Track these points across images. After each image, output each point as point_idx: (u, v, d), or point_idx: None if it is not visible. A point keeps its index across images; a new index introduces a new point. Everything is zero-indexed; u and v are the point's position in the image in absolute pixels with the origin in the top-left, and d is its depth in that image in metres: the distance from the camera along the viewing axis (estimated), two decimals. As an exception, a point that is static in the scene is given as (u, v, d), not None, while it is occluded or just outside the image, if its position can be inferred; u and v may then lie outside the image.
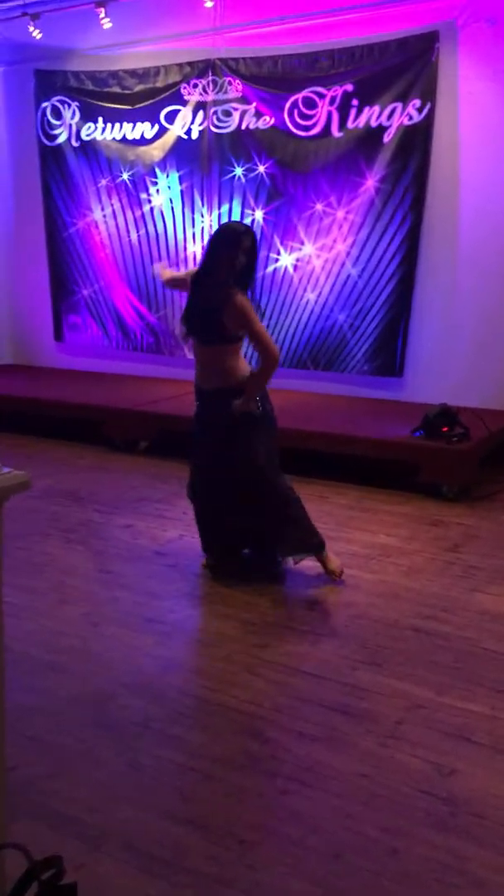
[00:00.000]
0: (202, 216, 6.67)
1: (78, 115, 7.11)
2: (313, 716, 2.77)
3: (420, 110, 5.71)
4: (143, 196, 6.89)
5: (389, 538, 4.31)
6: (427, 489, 4.90)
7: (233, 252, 3.58)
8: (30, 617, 3.46)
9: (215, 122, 6.50)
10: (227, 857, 2.15)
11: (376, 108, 5.84)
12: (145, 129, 6.78)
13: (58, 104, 7.21)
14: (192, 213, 6.72)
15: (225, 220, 6.54)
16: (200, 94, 6.55)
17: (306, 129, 6.13)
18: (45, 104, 7.28)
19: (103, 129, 6.99)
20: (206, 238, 6.66)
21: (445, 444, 4.85)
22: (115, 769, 2.50)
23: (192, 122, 6.60)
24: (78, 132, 7.13)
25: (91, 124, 7.05)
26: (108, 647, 3.21)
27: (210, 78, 6.47)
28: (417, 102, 5.71)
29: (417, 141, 5.75)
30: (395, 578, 3.83)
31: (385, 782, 2.44)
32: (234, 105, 6.40)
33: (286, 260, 6.33)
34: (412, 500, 4.85)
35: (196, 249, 6.74)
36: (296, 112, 6.15)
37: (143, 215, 6.94)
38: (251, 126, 6.35)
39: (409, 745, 2.61)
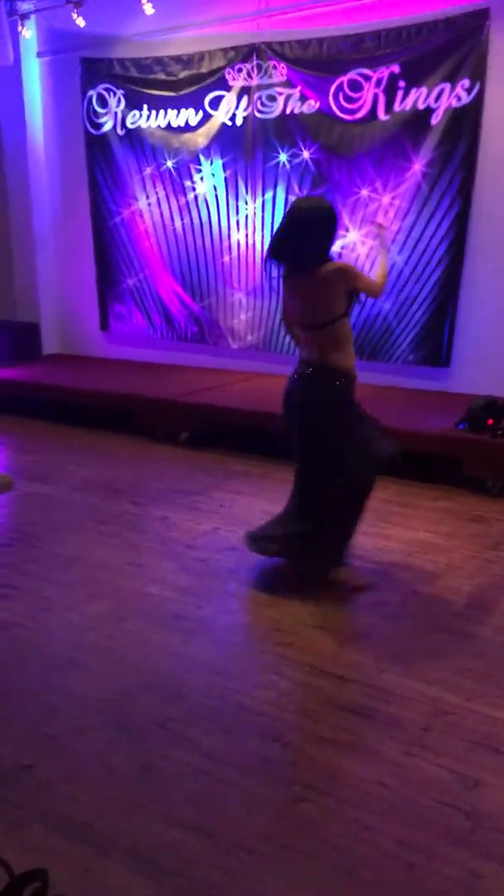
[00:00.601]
0: (246, 203, 6.57)
1: (123, 102, 7.06)
2: (336, 720, 2.69)
3: (469, 91, 5.51)
4: (188, 184, 6.82)
5: (428, 534, 4.18)
6: (470, 484, 4.75)
7: None
8: (58, 612, 3.45)
9: (259, 107, 6.38)
10: (234, 868, 2.09)
11: (423, 90, 5.65)
12: (189, 115, 6.70)
13: (103, 92, 7.18)
14: (237, 200, 6.62)
15: (269, 206, 6.44)
16: (245, 79, 6.44)
17: (352, 112, 5.97)
18: (90, 93, 7.26)
19: (148, 117, 6.93)
20: (251, 225, 6.57)
21: (490, 438, 4.69)
22: (129, 772, 2.46)
23: (237, 108, 6.49)
24: (123, 120, 7.08)
25: (136, 112, 7.00)
26: (133, 644, 3.17)
27: (254, 62, 6.35)
28: (466, 83, 5.51)
29: (466, 123, 5.55)
30: (431, 577, 3.71)
31: (406, 793, 2.35)
32: (279, 90, 6.27)
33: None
34: (454, 495, 4.70)
35: (240, 237, 6.65)
36: (341, 95, 5.99)
37: (187, 203, 6.87)
38: (296, 111, 6.21)
39: (433, 753, 2.52)
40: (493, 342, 5.69)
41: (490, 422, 4.77)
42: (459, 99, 5.55)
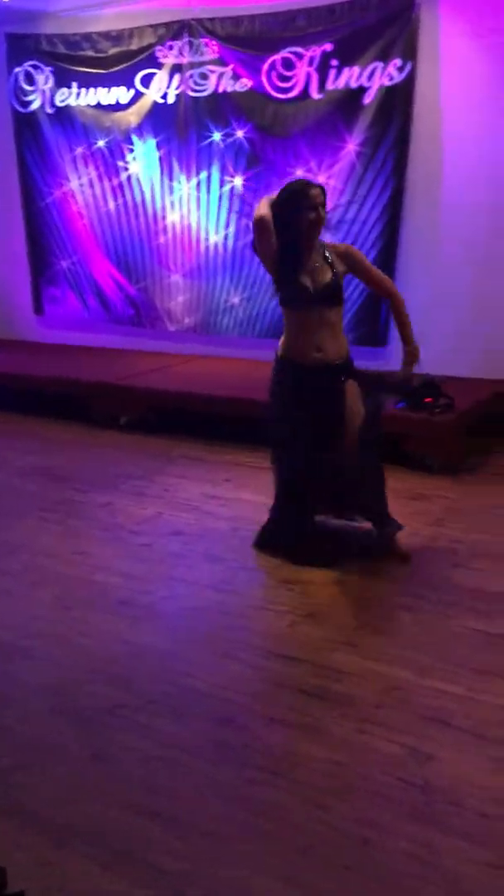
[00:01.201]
0: (180, 184, 6.49)
1: (52, 80, 6.89)
2: (288, 701, 2.69)
3: (401, 70, 5.52)
4: (120, 164, 6.70)
5: (371, 513, 4.21)
6: (411, 462, 4.80)
7: None
8: (3, 599, 3.38)
9: (192, 85, 6.30)
10: (192, 852, 2.08)
11: (356, 69, 5.65)
12: (120, 93, 6.57)
13: (31, 69, 6.99)
14: (171, 180, 6.53)
15: (204, 187, 6.37)
16: (176, 57, 6.34)
17: (285, 91, 5.93)
18: (17, 70, 7.06)
19: (77, 95, 6.77)
20: (185, 205, 6.50)
21: (429, 416, 4.74)
22: (81, 760, 2.43)
23: (169, 86, 6.39)
24: (52, 98, 6.91)
25: (65, 90, 6.83)
26: (80, 632, 3.13)
27: (186, 39, 6.25)
28: (398, 62, 5.52)
29: (398, 102, 5.56)
30: (375, 555, 3.74)
31: (359, 770, 2.37)
32: (211, 67, 6.20)
33: (267, 228, 6.15)
34: (395, 473, 4.71)
35: (175, 218, 6.57)
36: (274, 74, 5.95)
37: (120, 184, 6.75)
38: (228, 89, 6.15)
39: (386, 730, 2.54)
40: (429, 321, 5.70)
41: (428, 400, 4.82)
42: (392, 78, 5.56)
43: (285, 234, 3.40)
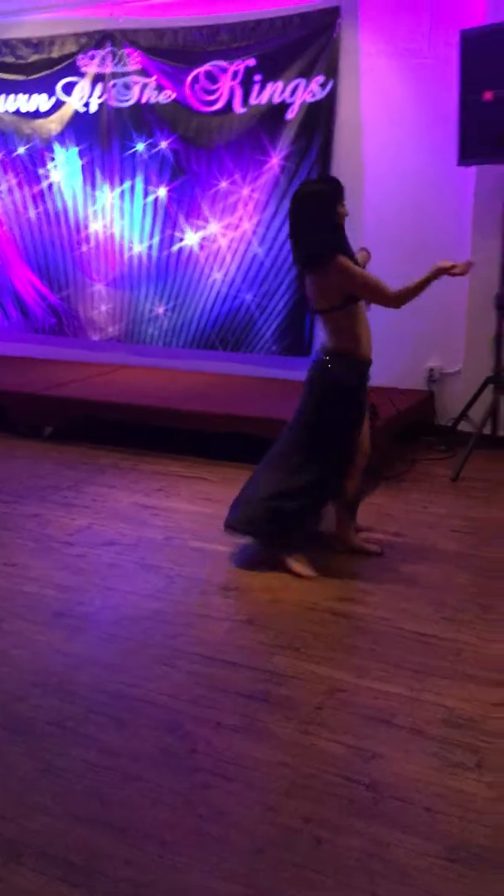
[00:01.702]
0: (103, 193, 6.46)
1: (-31, 85, 6.77)
2: (232, 706, 2.71)
3: (323, 87, 5.65)
4: (42, 171, 6.64)
5: (303, 520, 4.27)
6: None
7: None
8: None
9: (115, 95, 6.29)
10: (147, 860, 2.08)
11: (279, 84, 5.75)
12: (41, 101, 6.52)
13: None
14: (94, 189, 6.50)
15: (128, 196, 6.36)
16: (98, 66, 6.33)
17: (209, 104, 5.99)
18: None
19: (-4, 101, 6.69)
20: (108, 214, 6.47)
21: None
22: (27, 773, 2.38)
23: (91, 95, 6.37)
24: (-30, 104, 6.80)
25: (-17, 95, 6.73)
26: (16, 645, 3.07)
27: (108, 49, 6.25)
28: (321, 79, 5.65)
29: (321, 118, 5.69)
30: (310, 560, 3.79)
31: (307, 771, 2.40)
32: (134, 78, 6.21)
33: (191, 239, 6.20)
34: (324, 480, 4.82)
35: (98, 227, 6.54)
36: (197, 86, 6.01)
37: (41, 192, 6.68)
38: (152, 100, 6.17)
39: (329, 730, 2.58)
40: (353, 332, 5.86)
41: (355, 409, 4.91)
42: (314, 94, 5.68)
43: (336, 229, 3.45)
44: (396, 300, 3.52)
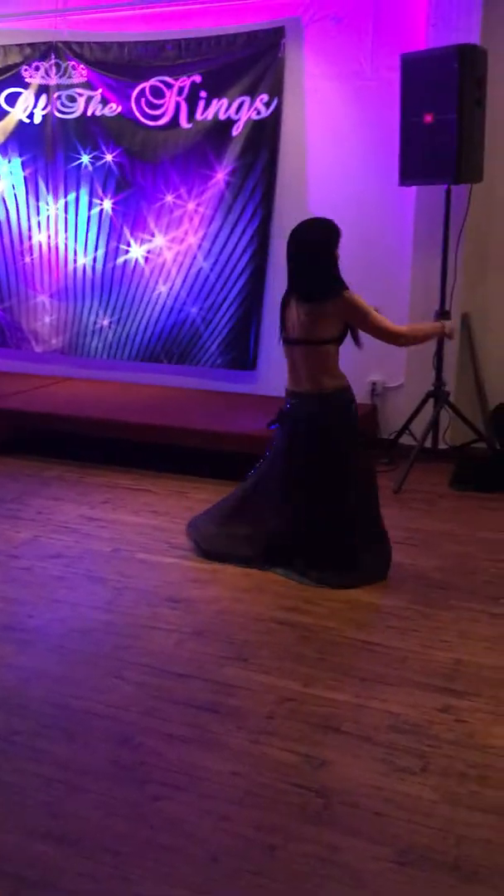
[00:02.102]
0: (47, 204, 6.44)
1: None
2: (183, 717, 2.73)
3: (268, 105, 5.73)
4: (-17, 181, 6.58)
5: (249, 532, 4.31)
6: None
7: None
8: None
9: (59, 107, 6.28)
10: (101, 872, 2.08)
11: (224, 101, 5.82)
12: (-16, 111, 6.47)
13: None
14: (37, 200, 6.47)
15: (72, 208, 6.35)
16: (43, 78, 6.31)
17: (154, 118, 6.02)
18: None
19: None
20: (53, 226, 6.45)
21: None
22: (-24, 790, 2.36)
23: (35, 107, 6.35)
24: None
25: None
26: (-37, 660, 3.04)
27: (53, 61, 6.24)
28: (265, 97, 5.73)
29: (266, 136, 5.77)
30: (257, 572, 3.83)
31: (258, 779, 2.44)
32: (79, 90, 6.21)
33: (137, 252, 6.21)
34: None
35: (42, 238, 6.51)
36: (143, 101, 6.03)
37: (-17, 202, 6.62)
38: (97, 113, 6.18)
39: (279, 739, 2.62)
40: (296, 346, 5.94)
41: (299, 422, 4.98)
42: (259, 112, 5.76)
43: (335, 268, 3.63)
44: (402, 338, 3.77)
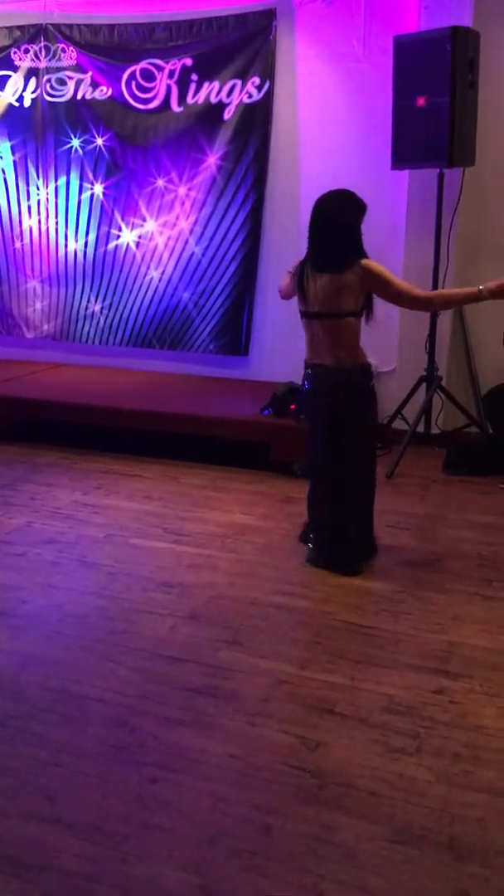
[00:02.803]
0: (38, 188, 6.40)
1: None
2: (179, 700, 2.74)
3: (259, 88, 5.70)
4: (-27, 166, 6.53)
5: (245, 517, 4.32)
6: (278, 467, 4.95)
7: None
8: None
9: (49, 90, 6.23)
10: (98, 854, 2.10)
11: (216, 84, 5.78)
12: (-27, 94, 6.41)
13: None
14: (27, 185, 6.43)
15: (63, 192, 6.31)
16: (32, 61, 6.26)
17: (145, 101, 5.98)
18: None
19: None
20: (43, 210, 6.42)
21: (294, 422, 4.91)
22: (-27, 773, 2.37)
23: (24, 90, 6.30)
24: None
25: None
26: (-42, 645, 3.04)
27: (42, 44, 6.19)
28: (257, 80, 5.70)
29: (257, 119, 5.74)
30: (252, 556, 3.85)
31: (254, 761, 2.45)
32: (69, 73, 6.16)
33: (128, 236, 6.18)
34: (265, 478, 4.89)
35: (32, 223, 6.47)
36: (134, 84, 5.99)
37: (-27, 186, 6.57)
38: (87, 96, 6.13)
39: (275, 721, 2.64)
40: (288, 331, 5.92)
41: (292, 407, 4.99)
42: (251, 95, 5.73)
43: (357, 240, 3.56)
44: (431, 304, 3.71)
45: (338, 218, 3.57)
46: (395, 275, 3.61)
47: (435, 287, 5.10)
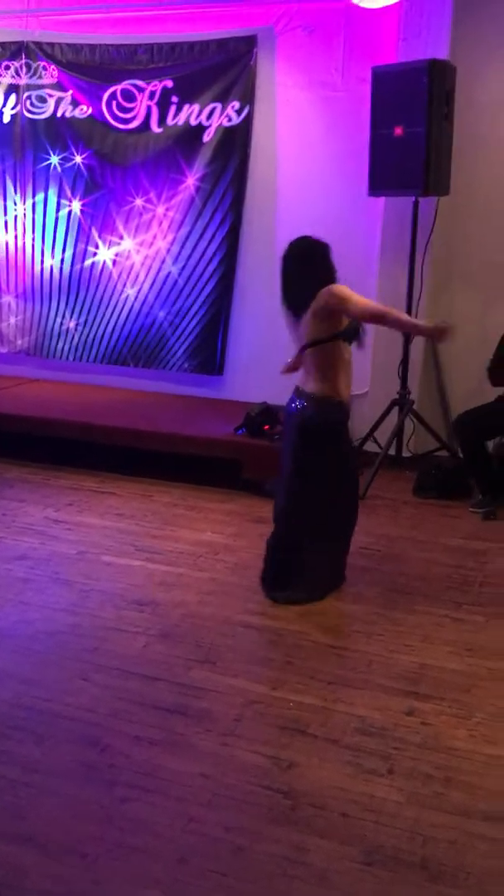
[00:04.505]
0: (15, 204, 6.39)
1: None
2: (150, 719, 2.73)
3: (239, 112, 5.76)
4: (-50, 180, 6.51)
5: (216, 535, 4.33)
6: (250, 486, 4.97)
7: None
8: None
9: (29, 107, 6.25)
10: (69, 874, 2.08)
11: (196, 107, 5.84)
12: (-48, 109, 6.41)
13: None
14: (5, 200, 6.42)
15: (40, 208, 6.31)
16: (13, 77, 6.28)
17: (125, 121, 6.02)
18: None
19: None
20: (20, 226, 6.42)
21: (267, 443, 4.94)
22: None
23: (4, 105, 6.30)
24: None
25: None
26: None
27: (23, 61, 6.21)
28: (236, 104, 5.76)
29: (236, 143, 5.80)
30: (223, 576, 3.85)
31: (226, 781, 2.45)
32: (49, 91, 6.19)
33: (105, 254, 6.20)
34: (236, 497, 4.90)
35: (9, 238, 6.46)
36: (114, 104, 6.03)
37: None
38: (67, 114, 6.16)
39: (247, 741, 2.64)
40: (263, 352, 5.96)
41: (266, 427, 5.02)
42: (230, 119, 5.79)
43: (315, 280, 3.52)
44: (385, 317, 3.52)
45: (293, 263, 3.62)
46: (369, 299, 3.64)
47: (408, 313, 5.17)
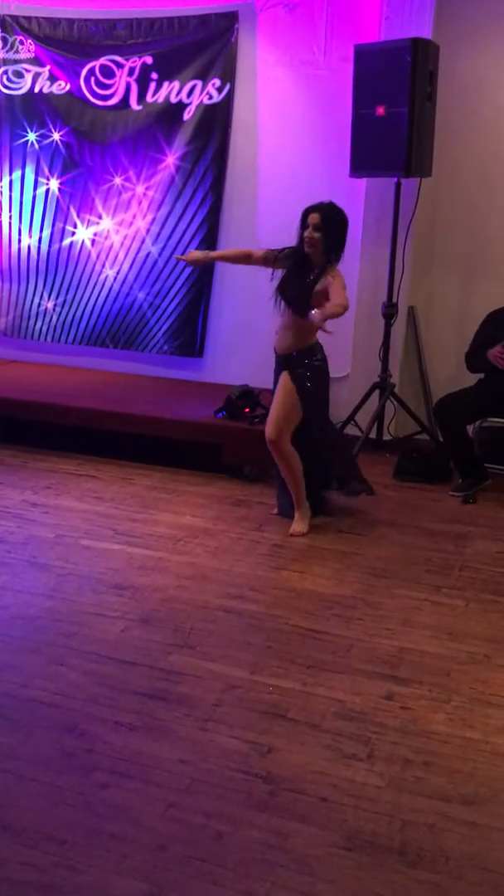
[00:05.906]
0: (-9, 182, 6.29)
1: None
2: (129, 704, 2.71)
3: (220, 90, 5.68)
4: None
5: (195, 519, 4.30)
6: (229, 470, 4.94)
7: None
8: None
9: (5, 82, 6.13)
10: (46, 862, 2.06)
11: (176, 84, 5.75)
12: None
13: None
14: (-20, 177, 6.32)
15: (17, 186, 6.21)
16: (-12, 51, 6.16)
17: (104, 98, 5.92)
18: None
19: None
20: None
21: (246, 426, 4.90)
22: None
23: (-20, 81, 6.19)
24: None
25: None
26: None
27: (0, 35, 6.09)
28: (217, 82, 5.68)
29: (217, 121, 5.73)
30: (203, 560, 3.83)
31: (205, 766, 2.44)
32: (27, 66, 6.07)
33: (83, 234, 6.11)
34: (216, 480, 4.87)
35: (-15, 217, 6.36)
36: (93, 80, 5.93)
37: None
38: (45, 90, 6.05)
39: (226, 726, 2.62)
40: (243, 334, 5.93)
41: (246, 410, 4.98)
42: (211, 97, 5.71)
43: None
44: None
45: (334, 234, 4.02)
46: (343, 282, 3.95)
47: (389, 296, 5.16)
